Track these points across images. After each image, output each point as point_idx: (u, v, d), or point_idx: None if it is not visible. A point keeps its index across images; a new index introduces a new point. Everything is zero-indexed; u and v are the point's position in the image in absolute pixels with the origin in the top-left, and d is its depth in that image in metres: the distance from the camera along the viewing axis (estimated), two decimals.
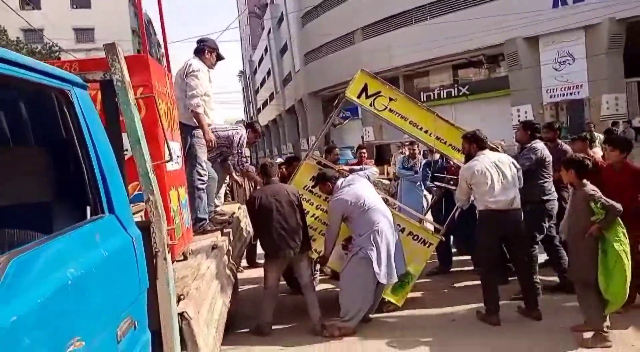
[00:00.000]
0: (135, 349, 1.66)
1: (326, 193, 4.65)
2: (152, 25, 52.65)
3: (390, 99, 4.68)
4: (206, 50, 4.13)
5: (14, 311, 1.01)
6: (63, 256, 1.28)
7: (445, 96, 28.18)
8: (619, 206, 3.64)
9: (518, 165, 4.45)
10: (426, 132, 4.65)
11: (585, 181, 3.81)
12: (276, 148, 49.68)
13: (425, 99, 28.73)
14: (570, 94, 22.73)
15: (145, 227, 2.00)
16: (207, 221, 4.19)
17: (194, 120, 3.94)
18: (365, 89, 4.69)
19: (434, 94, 28.70)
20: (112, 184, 1.70)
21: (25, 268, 1.10)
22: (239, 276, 6.09)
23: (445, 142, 4.67)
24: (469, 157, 4.46)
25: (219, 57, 4.28)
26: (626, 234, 3.66)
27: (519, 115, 23.90)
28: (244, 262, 6.83)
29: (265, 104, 56.19)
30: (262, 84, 57.07)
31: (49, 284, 1.17)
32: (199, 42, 4.21)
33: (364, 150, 7.81)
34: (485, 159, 4.31)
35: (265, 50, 49.71)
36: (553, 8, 21.73)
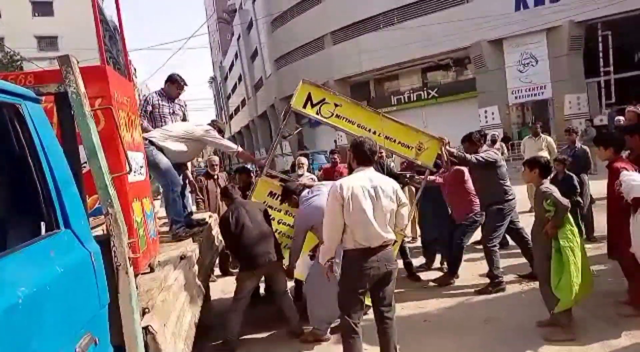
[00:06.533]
0: None
1: (294, 206, 4.65)
2: (118, 32, 51.62)
3: (336, 105, 4.73)
4: (218, 129, 4.79)
5: None
6: (14, 275, 1.25)
7: (415, 99, 28.64)
8: (566, 202, 3.79)
9: None
10: (374, 133, 4.70)
11: (543, 180, 3.97)
12: (257, 151, 49.41)
13: (396, 102, 29.16)
14: (535, 94, 23.45)
15: (105, 241, 1.97)
16: (182, 223, 4.21)
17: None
18: (309, 98, 4.73)
19: (404, 97, 29.14)
20: (68, 198, 1.66)
21: None
22: (212, 285, 6.04)
23: (394, 141, 4.75)
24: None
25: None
26: (575, 232, 3.80)
27: (486, 117, 24.51)
28: (217, 271, 6.76)
29: (237, 110, 55.88)
30: (233, 89, 56.78)
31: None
32: (213, 121, 4.94)
33: (337, 155, 7.84)
34: None
35: (236, 56, 49.49)
36: (515, 11, 22.40)
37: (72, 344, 1.48)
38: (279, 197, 4.78)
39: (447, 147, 4.81)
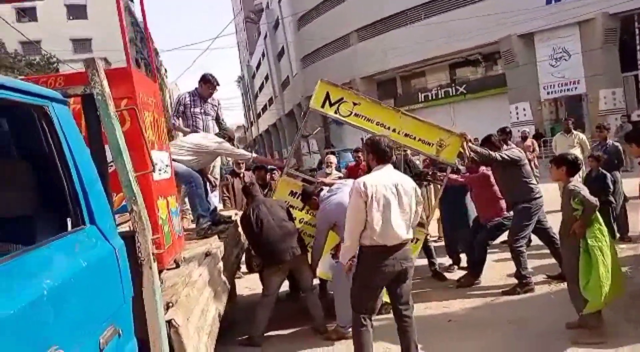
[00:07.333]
0: None
1: (315, 208, 4.70)
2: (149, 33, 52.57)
3: (354, 104, 4.73)
4: (228, 138, 4.94)
5: None
6: (39, 268, 1.31)
7: (443, 96, 28.26)
8: (594, 200, 3.68)
9: None
10: (394, 130, 4.68)
11: (571, 178, 3.87)
12: (277, 152, 49.78)
13: (423, 99, 28.85)
14: (568, 90, 22.79)
15: (130, 237, 2.03)
16: (208, 218, 4.32)
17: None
18: (327, 97, 4.75)
19: (431, 94, 28.79)
20: (93, 196, 1.73)
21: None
22: (238, 281, 6.14)
23: (414, 138, 4.70)
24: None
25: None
26: (604, 232, 3.68)
27: (517, 113, 23.97)
28: (243, 268, 6.85)
29: (264, 109, 56.31)
30: (260, 88, 57.27)
31: (23, 295, 1.20)
32: (223, 130, 5.18)
33: (361, 153, 7.80)
34: None
35: (263, 55, 49.90)
36: (547, 4, 21.81)
37: (95, 335, 1.54)
38: (300, 197, 4.82)
39: (469, 143, 4.74)
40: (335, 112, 4.74)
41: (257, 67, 56.72)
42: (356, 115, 4.72)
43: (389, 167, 3.39)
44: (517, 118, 23.71)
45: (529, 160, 10.21)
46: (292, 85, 39.66)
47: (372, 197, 3.18)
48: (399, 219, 3.25)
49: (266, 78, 50.80)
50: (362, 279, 3.35)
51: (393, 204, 3.22)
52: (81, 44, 38.16)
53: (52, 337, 1.27)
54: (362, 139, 27.14)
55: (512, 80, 24.04)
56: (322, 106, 4.76)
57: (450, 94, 27.93)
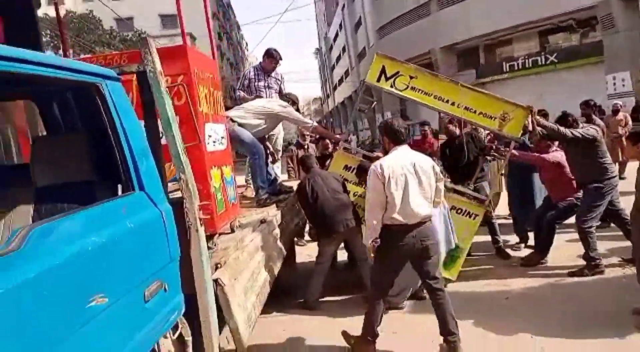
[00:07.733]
0: (165, 308, 1.91)
1: None
2: (231, 8, 54.02)
3: (411, 77, 4.62)
4: (292, 102, 5.17)
5: (32, 270, 1.24)
6: (85, 226, 1.51)
7: (530, 65, 26.27)
8: None
9: None
10: (453, 104, 4.52)
11: None
12: (352, 124, 49.71)
13: (508, 70, 27.10)
14: None
15: (180, 203, 2.24)
16: (267, 190, 4.56)
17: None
18: (383, 71, 4.67)
19: (518, 64, 26.87)
20: (143, 165, 1.93)
21: (46, 235, 1.34)
22: (300, 249, 6.39)
23: (475, 112, 4.52)
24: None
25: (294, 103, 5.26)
26: None
27: (614, 84, 21.85)
28: (307, 236, 7.09)
29: (341, 81, 56.11)
30: (337, 60, 56.99)
31: (68, 249, 1.40)
32: (286, 94, 5.41)
33: (427, 127, 7.64)
34: None
35: (340, 26, 49.45)
36: None
37: (141, 288, 1.75)
38: (354, 171, 4.89)
39: (536, 117, 4.48)
40: (391, 86, 4.68)
41: (335, 39, 56.36)
42: (412, 88, 4.64)
43: (405, 147, 3.46)
44: (615, 89, 21.59)
45: (621, 136, 9.41)
46: (368, 56, 38.98)
47: (389, 178, 3.25)
48: (419, 197, 3.31)
49: (343, 50, 50.42)
50: (382, 257, 3.44)
51: (411, 183, 3.29)
52: (169, 19, 40.10)
53: (97, 286, 1.48)
54: (439, 113, 26.33)
55: (610, 48, 21.82)
56: (378, 80, 4.73)
57: (539, 64, 25.91)
